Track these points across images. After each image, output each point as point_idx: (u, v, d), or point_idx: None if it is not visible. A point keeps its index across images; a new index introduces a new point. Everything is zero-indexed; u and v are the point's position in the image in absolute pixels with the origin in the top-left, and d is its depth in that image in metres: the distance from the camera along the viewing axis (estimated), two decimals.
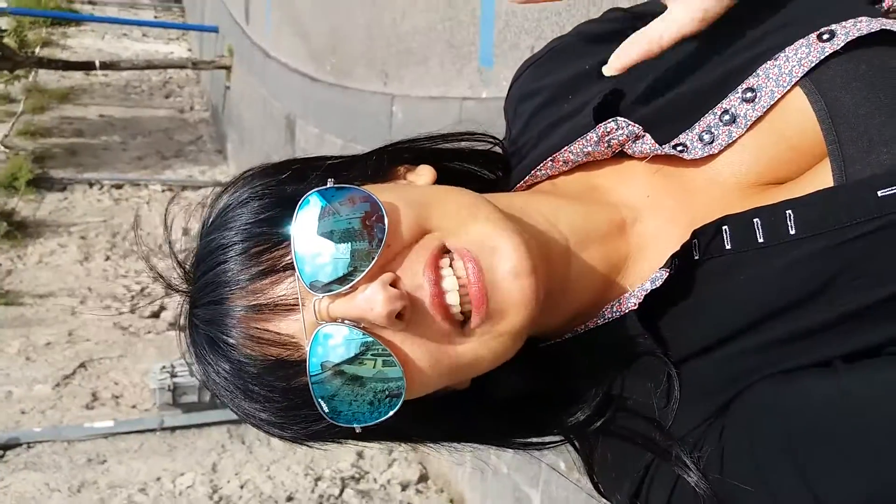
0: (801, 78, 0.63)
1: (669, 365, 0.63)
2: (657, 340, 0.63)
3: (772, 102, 0.64)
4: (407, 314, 0.58)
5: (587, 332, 0.68)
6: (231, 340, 0.61)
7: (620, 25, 0.69)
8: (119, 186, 10.31)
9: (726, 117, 0.66)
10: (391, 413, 0.60)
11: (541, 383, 0.71)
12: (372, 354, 0.58)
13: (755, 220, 0.60)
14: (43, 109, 12.45)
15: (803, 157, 0.63)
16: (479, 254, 0.58)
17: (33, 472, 5.16)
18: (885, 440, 0.52)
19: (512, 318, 0.59)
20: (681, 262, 0.62)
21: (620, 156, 0.71)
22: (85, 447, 5.45)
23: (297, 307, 0.59)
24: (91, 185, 10.27)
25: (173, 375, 5.69)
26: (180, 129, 12.53)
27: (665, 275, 0.61)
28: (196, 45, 14.59)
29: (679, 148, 0.67)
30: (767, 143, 0.65)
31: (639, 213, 0.69)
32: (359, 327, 0.58)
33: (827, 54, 0.62)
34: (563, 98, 0.76)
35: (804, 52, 0.63)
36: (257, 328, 0.60)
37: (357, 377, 0.58)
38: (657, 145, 0.67)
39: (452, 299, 0.58)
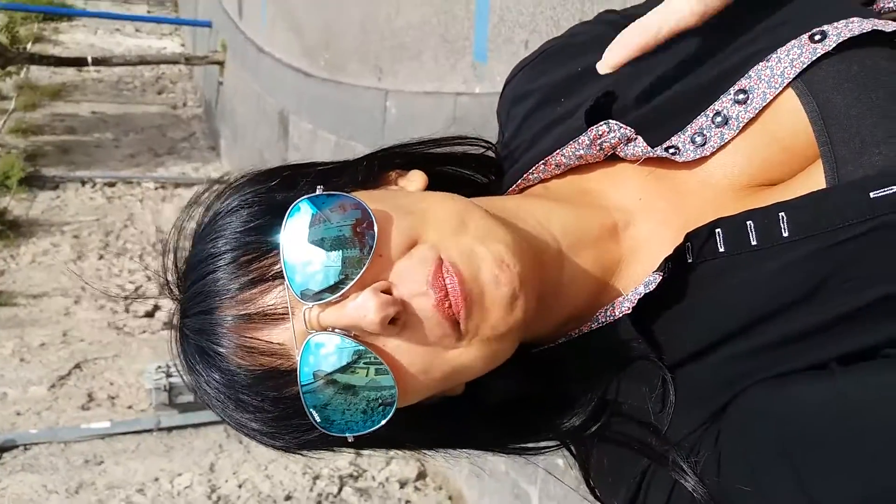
0: (793, 79, 0.62)
1: (664, 369, 0.62)
2: (651, 344, 0.63)
3: (764, 104, 0.63)
4: (402, 319, 0.57)
5: (581, 337, 0.68)
6: (221, 350, 0.60)
7: (613, 28, 0.68)
8: (112, 184, 10.23)
9: (718, 119, 0.65)
10: (383, 422, 0.59)
11: (534, 388, 0.71)
12: (364, 363, 0.58)
13: (748, 222, 0.60)
14: (35, 106, 12.35)
15: (796, 159, 0.63)
16: (470, 261, 0.58)
17: (30, 474, 5.14)
18: (880, 443, 0.52)
19: (503, 323, 0.59)
20: (674, 266, 0.61)
21: (613, 159, 0.70)
22: (82, 448, 5.42)
23: (287, 316, 0.58)
24: (83, 183, 10.19)
25: (169, 375, 5.65)
26: (173, 125, 12.46)
27: (658, 278, 0.61)
28: (189, 41, 14.46)
29: (671, 150, 0.66)
30: (760, 145, 0.64)
31: (631, 216, 0.69)
32: (350, 336, 0.57)
33: (819, 55, 0.62)
34: (555, 100, 0.75)
35: (796, 54, 0.63)
36: (247, 337, 0.59)
37: (349, 386, 0.58)
38: (649, 148, 0.66)
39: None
